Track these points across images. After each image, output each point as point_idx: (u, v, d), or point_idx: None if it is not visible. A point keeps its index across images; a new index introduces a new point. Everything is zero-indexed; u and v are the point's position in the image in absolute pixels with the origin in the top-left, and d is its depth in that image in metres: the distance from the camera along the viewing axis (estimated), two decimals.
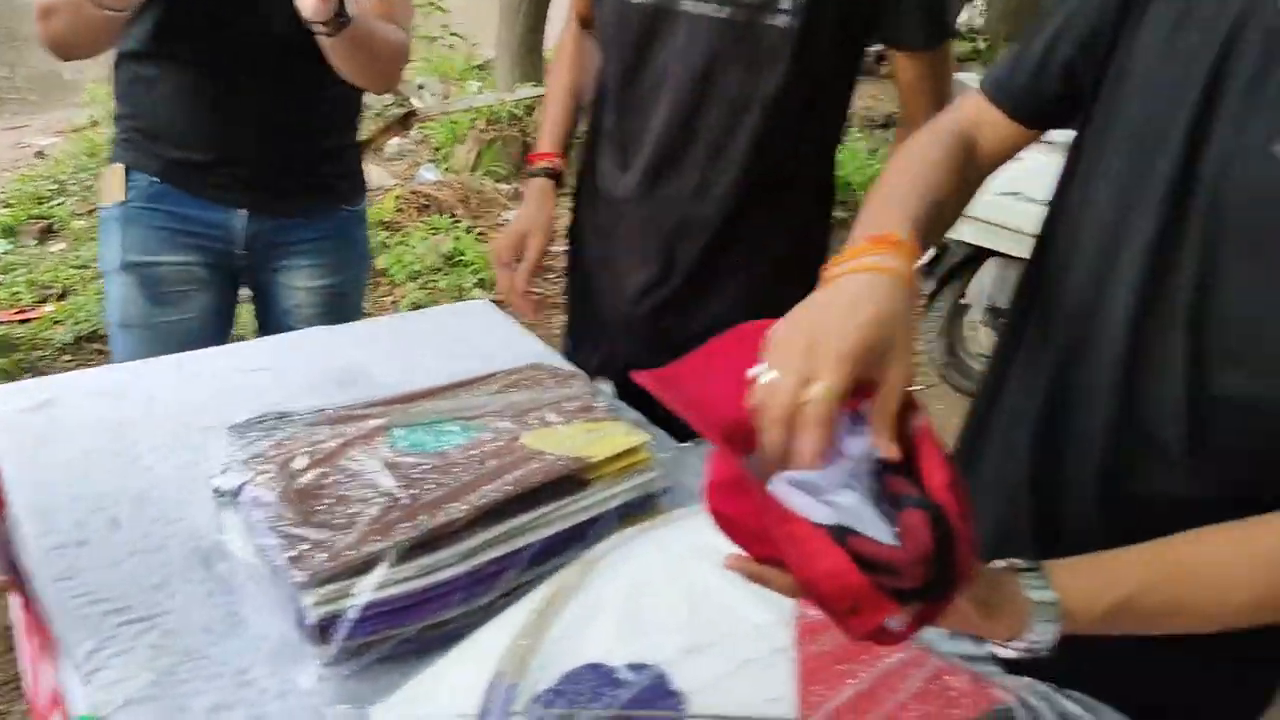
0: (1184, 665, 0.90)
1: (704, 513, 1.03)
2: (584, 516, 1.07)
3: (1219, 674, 0.93)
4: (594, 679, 0.79)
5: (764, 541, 0.65)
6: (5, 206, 4.56)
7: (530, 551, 1.04)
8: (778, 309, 1.44)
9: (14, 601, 1.22)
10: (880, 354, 0.67)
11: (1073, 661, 0.89)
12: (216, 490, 1.14)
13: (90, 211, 4.46)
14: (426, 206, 4.21)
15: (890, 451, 0.66)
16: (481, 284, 3.83)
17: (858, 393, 0.69)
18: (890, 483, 0.67)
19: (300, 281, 1.85)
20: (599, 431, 1.15)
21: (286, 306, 1.86)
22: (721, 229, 1.47)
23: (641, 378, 0.76)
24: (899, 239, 0.75)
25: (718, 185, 1.44)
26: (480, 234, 4.11)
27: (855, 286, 0.72)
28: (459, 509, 1.02)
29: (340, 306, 1.90)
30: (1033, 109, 0.93)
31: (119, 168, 1.73)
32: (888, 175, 0.88)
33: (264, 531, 1.03)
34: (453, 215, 4.17)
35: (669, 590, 0.88)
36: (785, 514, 0.64)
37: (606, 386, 1.37)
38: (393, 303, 3.64)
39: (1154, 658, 0.89)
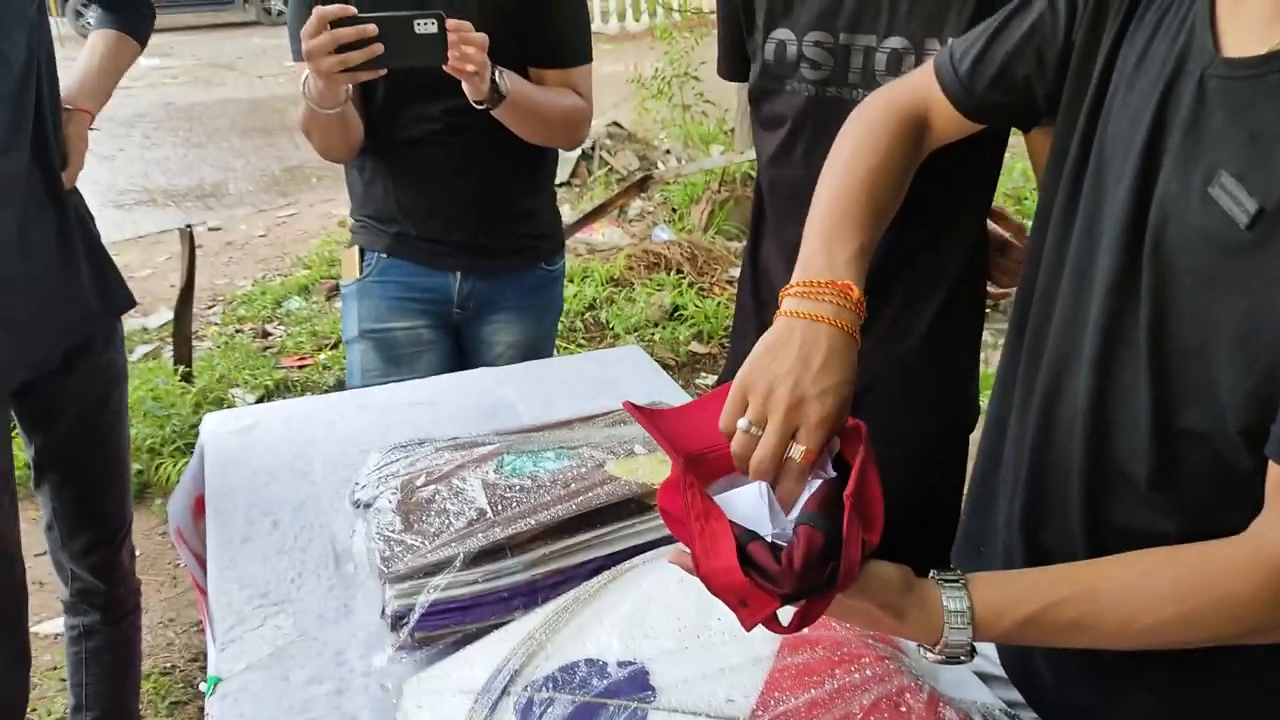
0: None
1: None
2: (644, 539, 1.16)
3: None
4: (586, 671, 0.88)
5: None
6: (305, 268, 5.26)
7: (590, 567, 1.14)
8: (927, 369, 1.45)
9: (194, 585, 1.47)
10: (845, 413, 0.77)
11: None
12: (355, 502, 1.33)
13: None
14: (655, 264, 4.43)
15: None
16: (699, 336, 3.98)
17: None
18: (811, 498, 0.74)
19: (501, 336, 2.07)
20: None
21: (488, 359, 2.08)
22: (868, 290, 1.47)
23: (629, 406, 0.87)
24: (852, 291, 0.83)
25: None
26: (701, 290, 4.27)
27: (819, 341, 0.80)
28: (527, 524, 1.14)
29: (532, 358, 2.09)
30: (981, 111, 0.98)
31: (354, 250, 2.02)
32: (842, 165, 0.94)
33: (375, 537, 1.20)
34: (679, 271, 4.37)
35: (679, 600, 0.95)
36: (709, 511, 0.73)
37: None
38: None
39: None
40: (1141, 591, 0.74)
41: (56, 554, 1.74)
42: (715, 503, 0.74)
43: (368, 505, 1.30)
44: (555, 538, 1.14)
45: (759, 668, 0.86)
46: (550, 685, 0.87)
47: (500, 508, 1.19)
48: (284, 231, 6.32)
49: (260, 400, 3.55)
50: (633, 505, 1.18)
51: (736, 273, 4.53)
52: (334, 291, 4.91)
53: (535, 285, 2.07)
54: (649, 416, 0.86)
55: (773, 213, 1.58)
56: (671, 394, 1.73)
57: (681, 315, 4.07)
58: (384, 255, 1.98)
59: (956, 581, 0.77)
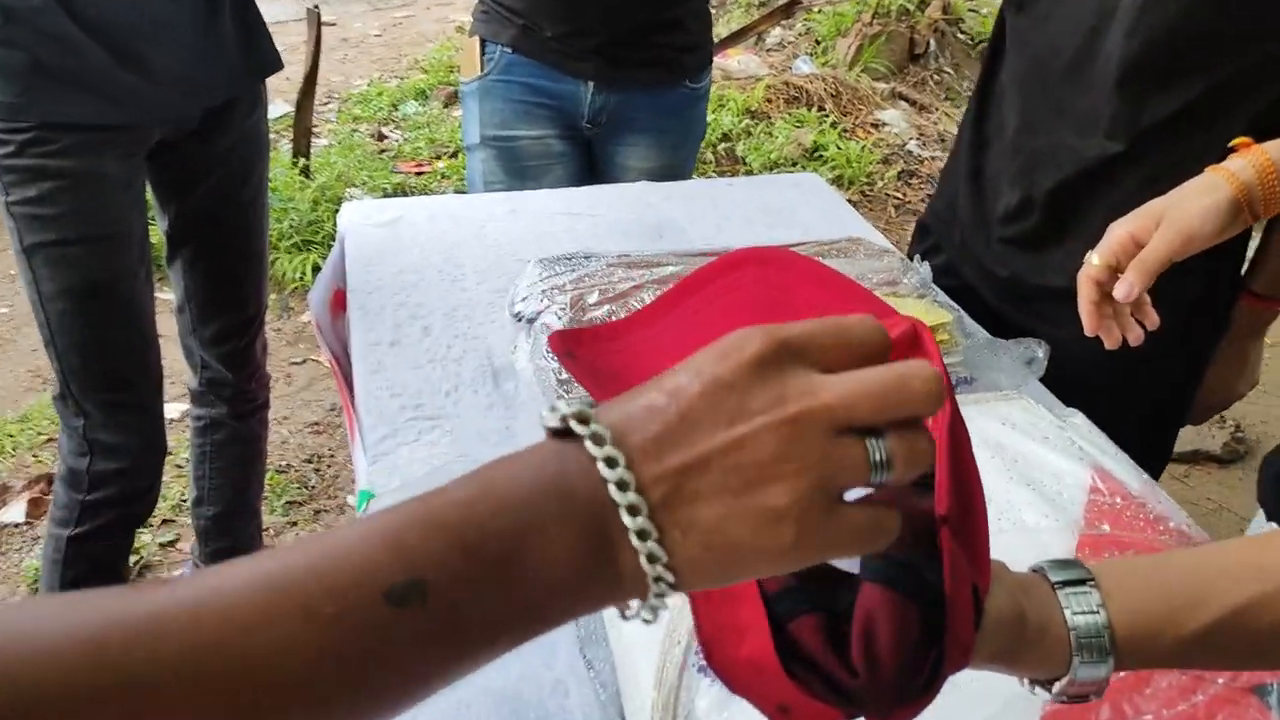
0: None
1: (991, 405, 0.92)
2: None
3: None
4: None
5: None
6: (423, 72, 5.05)
7: None
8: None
9: (339, 386, 1.36)
10: None
11: None
12: (515, 315, 1.18)
13: None
14: (795, 98, 4.12)
15: None
16: (838, 180, 3.71)
17: None
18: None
19: (635, 161, 1.85)
20: (898, 304, 1.05)
21: (621, 181, 1.88)
22: (1093, 165, 1.20)
23: (554, 339, 0.65)
24: None
25: (1104, 119, 1.19)
26: (844, 131, 3.96)
27: None
28: None
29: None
30: None
31: (474, 41, 1.78)
32: None
33: (546, 355, 1.05)
34: (821, 109, 4.06)
35: None
36: None
37: (923, 267, 1.25)
38: None
39: None
40: None
41: (186, 339, 1.63)
42: None
43: (530, 320, 1.16)
44: None
45: None
46: None
47: None
48: (400, 33, 6.09)
49: None
50: None
51: (883, 115, 4.21)
52: (452, 99, 4.71)
53: (676, 104, 1.83)
54: (582, 357, 0.61)
55: (1014, 36, 1.31)
56: (857, 226, 1.53)
57: (822, 156, 3.79)
58: (508, 50, 1.74)
59: (1082, 581, 0.50)
